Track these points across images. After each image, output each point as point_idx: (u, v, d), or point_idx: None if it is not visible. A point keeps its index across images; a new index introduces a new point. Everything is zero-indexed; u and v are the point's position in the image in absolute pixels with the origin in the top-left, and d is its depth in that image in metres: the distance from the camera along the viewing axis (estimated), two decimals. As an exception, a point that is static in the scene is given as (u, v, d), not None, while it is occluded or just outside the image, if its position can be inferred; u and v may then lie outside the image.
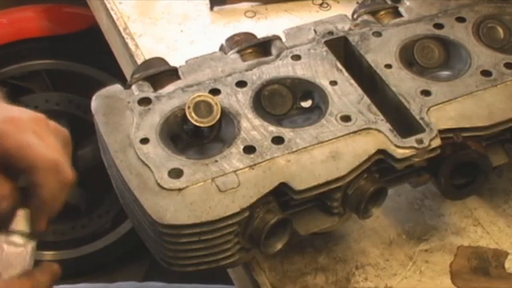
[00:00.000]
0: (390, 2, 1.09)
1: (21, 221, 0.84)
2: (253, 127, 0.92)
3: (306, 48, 1.02)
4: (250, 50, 1.02)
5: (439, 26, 1.04)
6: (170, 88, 0.97)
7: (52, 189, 0.84)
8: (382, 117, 0.92)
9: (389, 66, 0.99)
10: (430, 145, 0.90)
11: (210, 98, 0.93)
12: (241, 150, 0.89)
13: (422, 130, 0.91)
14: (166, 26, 1.34)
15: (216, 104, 0.93)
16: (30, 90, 2.18)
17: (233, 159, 0.88)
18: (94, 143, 0.98)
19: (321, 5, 1.38)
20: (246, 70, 0.99)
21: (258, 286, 0.98)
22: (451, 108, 0.94)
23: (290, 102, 0.97)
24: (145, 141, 0.91)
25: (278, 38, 1.04)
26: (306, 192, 0.87)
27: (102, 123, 0.93)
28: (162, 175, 0.87)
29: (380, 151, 0.90)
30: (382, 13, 1.07)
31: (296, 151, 0.89)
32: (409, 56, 1.02)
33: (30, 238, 0.85)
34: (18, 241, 0.84)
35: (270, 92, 0.97)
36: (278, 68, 0.99)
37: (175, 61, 1.02)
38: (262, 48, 1.03)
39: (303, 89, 0.98)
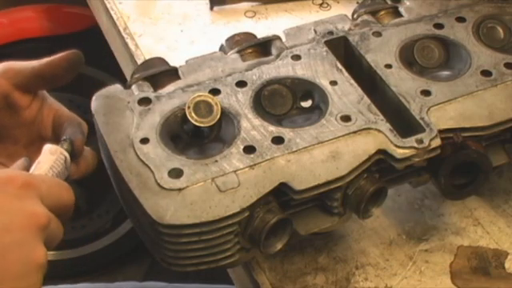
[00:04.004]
0: (390, 2, 1.09)
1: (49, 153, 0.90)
2: (253, 127, 0.92)
3: (306, 48, 1.02)
4: (250, 50, 1.02)
5: (439, 26, 1.04)
6: (169, 88, 0.97)
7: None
8: (381, 117, 0.92)
9: (389, 66, 0.99)
10: (429, 145, 0.90)
11: (209, 98, 0.93)
12: (241, 150, 0.89)
13: (422, 130, 0.91)
14: (165, 26, 1.34)
15: (216, 104, 0.93)
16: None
17: (233, 159, 0.88)
18: (94, 143, 0.99)
19: (321, 5, 1.38)
20: (246, 70, 0.99)
21: (258, 286, 0.98)
22: (451, 108, 0.94)
23: (290, 102, 0.97)
24: (145, 141, 0.91)
25: (278, 37, 1.04)
26: (306, 192, 0.87)
27: (102, 123, 0.93)
28: (162, 175, 0.87)
29: (380, 151, 0.90)
30: (382, 13, 1.07)
31: (296, 151, 0.89)
32: (409, 56, 1.02)
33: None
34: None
35: (270, 92, 0.97)
36: (278, 68, 0.99)
37: (175, 61, 1.02)
38: (262, 48, 1.03)
39: (303, 89, 0.98)
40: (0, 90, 0.95)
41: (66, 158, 0.90)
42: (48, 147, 0.90)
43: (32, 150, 0.93)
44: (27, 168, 0.87)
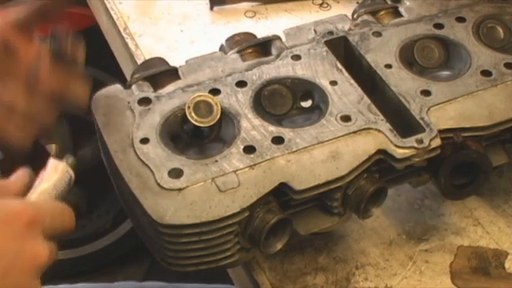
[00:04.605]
0: (390, 2, 1.09)
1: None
2: (253, 127, 0.92)
3: (306, 48, 1.02)
4: (250, 50, 1.02)
5: (439, 26, 1.04)
6: (169, 88, 0.97)
7: None
8: (381, 117, 0.92)
9: (389, 66, 0.99)
10: (429, 145, 0.90)
11: (209, 98, 0.93)
12: (241, 150, 0.89)
13: (422, 130, 0.91)
14: (165, 25, 1.34)
15: (216, 104, 0.93)
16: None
17: (233, 159, 0.88)
18: (94, 143, 0.99)
19: (321, 5, 1.38)
20: (246, 70, 0.99)
21: (258, 286, 0.98)
22: (451, 108, 0.94)
23: (290, 102, 0.97)
24: (145, 141, 0.91)
25: (278, 37, 1.04)
26: (306, 192, 0.87)
27: (102, 123, 0.93)
28: (162, 175, 0.87)
29: (380, 151, 0.90)
30: (382, 13, 1.07)
31: (296, 151, 0.89)
32: (409, 56, 1.02)
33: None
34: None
35: (270, 92, 0.97)
36: (278, 68, 0.99)
37: (175, 61, 1.02)
38: (262, 48, 1.03)
39: (303, 89, 0.98)
40: None
41: (70, 177, 0.89)
42: (54, 164, 0.88)
43: (29, 93, 0.91)
44: (29, 183, 0.86)
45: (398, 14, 1.07)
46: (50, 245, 0.79)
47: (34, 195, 0.85)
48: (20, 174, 0.87)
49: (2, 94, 0.91)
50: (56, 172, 0.87)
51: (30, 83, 0.88)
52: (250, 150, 0.89)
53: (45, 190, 0.86)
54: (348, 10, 1.10)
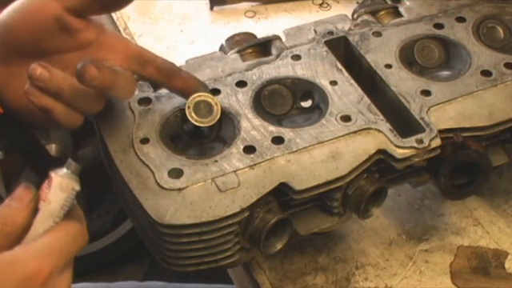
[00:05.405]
0: (390, 2, 1.09)
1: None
2: (253, 127, 0.92)
3: (306, 48, 1.02)
4: (250, 50, 1.02)
5: (439, 26, 1.04)
6: (170, 88, 0.97)
7: None
8: (381, 117, 0.92)
9: (389, 66, 0.99)
10: (429, 145, 0.90)
11: (210, 98, 0.93)
12: (241, 150, 0.89)
13: (422, 130, 0.91)
14: (165, 25, 1.34)
15: (216, 104, 0.93)
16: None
17: (233, 159, 0.88)
18: (94, 143, 0.98)
19: (321, 5, 1.38)
20: (246, 70, 0.99)
21: (258, 286, 0.98)
22: (451, 108, 0.94)
23: (290, 102, 0.97)
24: (145, 141, 0.91)
25: (278, 37, 1.04)
26: (306, 192, 0.87)
27: (102, 123, 0.93)
28: (162, 175, 0.87)
29: (380, 151, 0.90)
30: (382, 13, 1.07)
31: (296, 151, 0.89)
32: (409, 56, 1.02)
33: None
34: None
35: (270, 92, 0.97)
36: (278, 68, 0.99)
37: (175, 61, 1.02)
38: (262, 48, 1.03)
39: (303, 89, 0.98)
40: (51, 13, 0.91)
41: (77, 192, 0.80)
42: (58, 181, 0.79)
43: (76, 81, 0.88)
44: (35, 206, 0.78)
45: (398, 14, 1.07)
46: (67, 275, 0.78)
47: (41, 224, 0.79)
48: (24, 199, 0.79)
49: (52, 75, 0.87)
50: (62, 191, 0.79)
51: (77, 74, 0.85)
52: (250, 150, 0.89)
53: (52, 212, 0.79)
54: (348, 10, 1.10)
